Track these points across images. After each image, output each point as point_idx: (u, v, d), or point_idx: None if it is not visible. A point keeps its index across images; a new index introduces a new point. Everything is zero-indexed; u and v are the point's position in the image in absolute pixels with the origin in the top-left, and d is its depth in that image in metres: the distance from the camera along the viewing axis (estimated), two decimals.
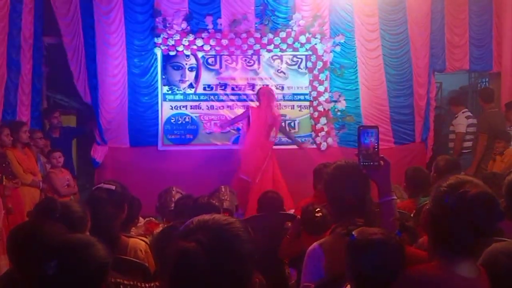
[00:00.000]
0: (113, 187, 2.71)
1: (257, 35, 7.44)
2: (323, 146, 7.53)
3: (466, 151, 7.52)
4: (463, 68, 8.07)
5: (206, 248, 1.22)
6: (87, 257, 1.64)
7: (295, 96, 7.66)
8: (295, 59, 7.64)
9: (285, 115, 7.59)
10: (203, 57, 7.53)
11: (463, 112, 7.76)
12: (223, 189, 4.57)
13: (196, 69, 7.55)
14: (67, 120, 7.56)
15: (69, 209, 2.35)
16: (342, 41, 7.56)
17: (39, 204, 2.66)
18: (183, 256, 1.23)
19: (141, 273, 2.57)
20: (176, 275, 1.23)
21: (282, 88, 7.63)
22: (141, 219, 4.47)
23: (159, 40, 7.37)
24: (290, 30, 7.48)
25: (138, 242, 2.85)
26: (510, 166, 5.96)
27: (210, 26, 7.41)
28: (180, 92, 7.54)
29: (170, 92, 7.54)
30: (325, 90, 7.57)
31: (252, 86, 7.52)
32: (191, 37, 7.37)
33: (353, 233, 1.87)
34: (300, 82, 7.65)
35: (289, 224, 3.80)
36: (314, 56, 7.55)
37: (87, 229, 2.34)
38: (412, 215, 3.53)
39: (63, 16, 7.11)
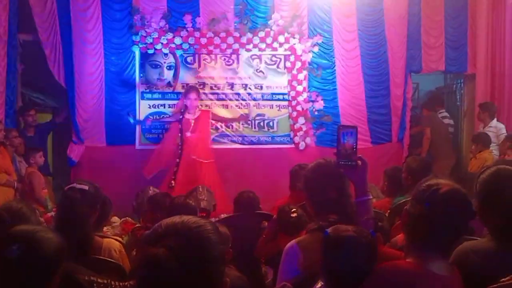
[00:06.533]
0: (86, 187, 2.68)
1: (236, 34, 7.43)
2: (302, 145, 7.56)
3: None
4: (439, 69, 8.17)
5: (176, 253, 1.19)
6: (45, 240, 1.76)
7: (273, 96, 7.66)
8: (274, 58, 7.64)
9: (263, 114, 7.61)
10: (181, 55, 7.48)
11: (439, 113, 7.90)
12: (200, 189, 4.57)
13: (175, 68, 7.49)
14: (43, 118, 7.44)
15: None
16: (320, 41, 7.59)
17: None
18: (152, 262, 1.20)
19: (115, 273, 2.55)
20: (146, 282, 1.21)
21: (261, 87, 7.63)
22: (117, 219, 4.44)
23: (137, 38, 7.30)
24: (269, 29, 7.48)
25: (112, 242, 2.83)
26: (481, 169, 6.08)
27: (189, 25, 7.36)
28: (158, 90, 7.48)
29: (148, 90, 7.47)
30: (304, 90, 7.60)
31: (231, 86, 7.51)
32: (169, 35, 7.31)
33: (327, 230, 1.90)
34: (279, 82, 7.65)
35: (266, 224, 3.81)
36: (293, 56, 7.56)
37: None
38: (386, 214, 3.58)
39: (39, 12, 6.99)
